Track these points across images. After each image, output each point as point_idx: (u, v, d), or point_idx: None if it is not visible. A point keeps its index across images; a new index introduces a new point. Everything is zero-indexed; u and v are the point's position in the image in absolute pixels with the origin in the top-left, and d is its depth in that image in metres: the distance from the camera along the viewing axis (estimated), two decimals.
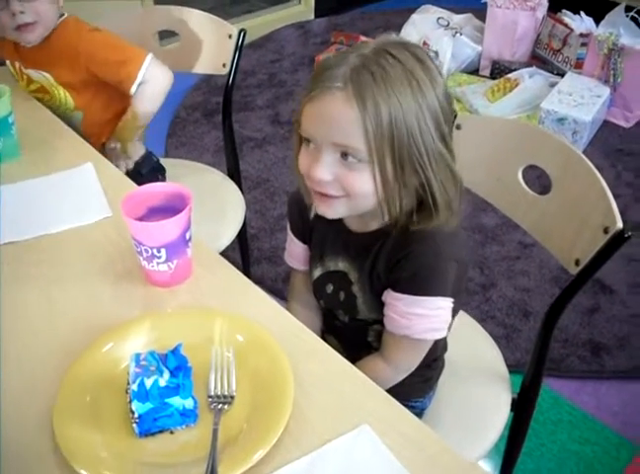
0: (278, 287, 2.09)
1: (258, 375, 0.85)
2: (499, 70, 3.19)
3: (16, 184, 1.29)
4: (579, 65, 3.04)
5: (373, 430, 0.78)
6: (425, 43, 3.18)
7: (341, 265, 1.03)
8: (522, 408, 1.19)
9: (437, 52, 3.14)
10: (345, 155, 0.86)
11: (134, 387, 0.78)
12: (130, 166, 1.62)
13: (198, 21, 1.72)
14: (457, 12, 3.46)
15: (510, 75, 3.03)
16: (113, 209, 1.19)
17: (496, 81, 3.05)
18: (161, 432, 0.80)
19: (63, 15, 1.55)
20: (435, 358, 1.11)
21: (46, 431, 0.80)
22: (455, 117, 1.20)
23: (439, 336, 0.97)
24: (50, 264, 1.09)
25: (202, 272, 1.06)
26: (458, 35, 3.23)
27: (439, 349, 1.11)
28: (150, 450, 0.79)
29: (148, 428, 0.79)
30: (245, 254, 1.96)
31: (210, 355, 0.88)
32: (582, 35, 3.01)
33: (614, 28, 2.81)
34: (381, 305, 0.98)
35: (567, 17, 3.15)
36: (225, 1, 4.18)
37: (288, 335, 0.92)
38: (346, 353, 0.93)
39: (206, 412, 0.82)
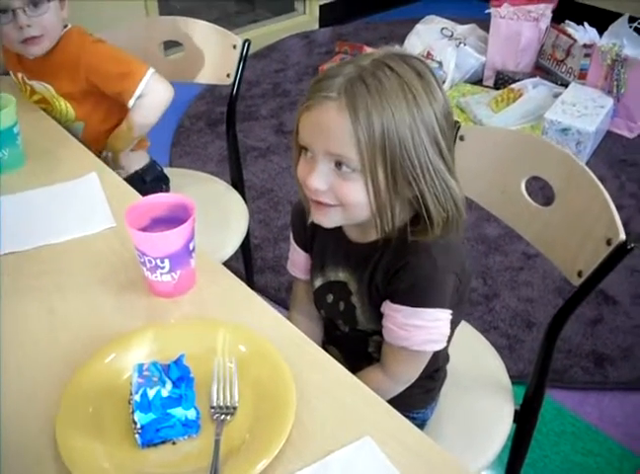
0: (281, 297, 2.09)
1: (260, 386, 0.85)
2: (502, 80, 3.20)
3: (20, 194, 1.29)
4: (582, 76, 3.04)
5: (375, 441, 0.78)
6: (429, 54, 3.19)
7: (341, 275, 1.03)
8: (525, 419, 1.19)
9: (440, 63, 3.14)
10: (339, 164, 0.87)
11: (137, 398, 0.78)
12: (123, 176, 1.62)
13: (202, 31, 1.73)
14: (461, 22, 3.46)
15: (513, 85, 3.04)
16: (116, 220, 1.19)
17: (499, 91, 3.06)
18: (163, 442, 0.81)
19: (67, 26, 1.54)
20: (436, 369, 1.11)
21: (48, 441, 0.80)
22: (459, 128, 1.21)
23: (437, 348, 0.97)
24: (53, 274, 1.09)
25: (206, 282, 1.06)
26: (462, 45, 3.24)
27: (440, 360, 1.10)
28: (152, 461, 0.79)
29: (151, 438, 0.79)
30: (248, 264, 1.95)
31: (213, 366, 0.88)
32: (585, 45, 3.02)
33: (618, 38, 2.81)
34: (380, 316, 0.98)
35: (570, 27, 3.15)
36: (231, 11, 4.20)
37: (291, 345, 0.92)
38: (347, 363, 0.94)
39: (209, 422, 0.82)
